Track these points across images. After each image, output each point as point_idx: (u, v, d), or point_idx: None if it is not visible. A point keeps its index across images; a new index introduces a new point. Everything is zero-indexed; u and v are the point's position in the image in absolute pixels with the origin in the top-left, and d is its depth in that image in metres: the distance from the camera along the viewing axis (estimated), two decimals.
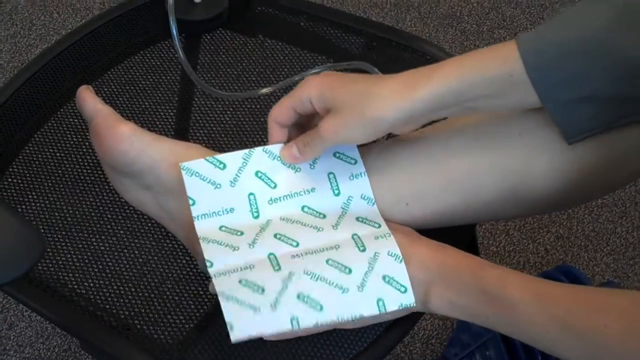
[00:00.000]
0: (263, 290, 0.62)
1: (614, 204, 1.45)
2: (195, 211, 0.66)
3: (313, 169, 0.68)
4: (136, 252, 0.74)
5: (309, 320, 0.62)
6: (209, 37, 0.91)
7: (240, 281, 0.62)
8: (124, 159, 0.67)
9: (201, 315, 0.70)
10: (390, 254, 0.64)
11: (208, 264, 0.63)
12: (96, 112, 0.69)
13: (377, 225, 0.66)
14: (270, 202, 0.68)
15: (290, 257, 0.64)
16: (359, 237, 0.65)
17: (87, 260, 0.73)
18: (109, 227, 0.75)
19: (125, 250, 0.74)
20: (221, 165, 0.67)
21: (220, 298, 0.61)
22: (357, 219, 0.67)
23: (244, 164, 0.68)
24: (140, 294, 0.71)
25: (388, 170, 0.69)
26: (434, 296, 0.63)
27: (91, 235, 0.74)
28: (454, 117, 0.71)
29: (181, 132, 0.84)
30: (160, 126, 0.82)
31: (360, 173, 0.68)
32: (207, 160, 0.67)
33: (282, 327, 0.62)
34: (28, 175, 0.78)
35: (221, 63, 0.88)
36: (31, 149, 0.80)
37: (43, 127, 0.82)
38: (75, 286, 0.71)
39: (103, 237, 0.74)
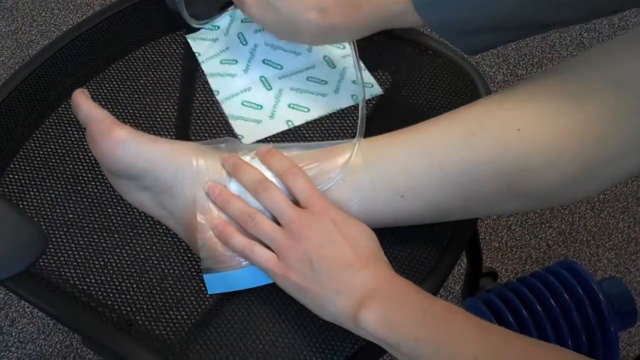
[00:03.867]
0: (262, 107, 0.81)
1: (616, 199, 1.45)
2: (200, 58, 0.86)
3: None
4: (138, 248, 0.73)
5: (300, 119, 0.80)
6: None
7: (242, 103, 0.82)
8: (121, 163, 0.67)
9: (203, 311, 0.70)
10: (355, 66, 0.78)
11: (215, 92, 0.83)
12: (91, 118, 0.69)
13: (342, 47, 0.85)
14: (266, 44, 0.85)
15: (277, 79, 0.83)
16: (329, 58, 0.84)
17: (88, 256, 0.73)
18: (110, 223, 0.75)
19: (127, 247, 0.74)
20: (215, 27, 0.88)
21: (229, 120, 0.80)
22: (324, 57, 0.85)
23: (232, 20, 0.88)
24: (142, 290, 0.71)
25: (383, 164, 0.68)
26: (368, 309, 0.61)
27: (93, 232, 0.74)
28: (451, 111, 0.71)
29: (182, 128, 0.84)
30: (161, 122, 0.82)
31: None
32: (205, 28, 0.87)
33: (280, 129, 0.79)
34: (29, 171, 0.78)
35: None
36: (32, 144, 0.80)
37: (44, 123, 0.82)
38: (77, 282, 0.71)
39: (105, 233, 0.74)
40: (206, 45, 0.87)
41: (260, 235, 0.67)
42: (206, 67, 0.85)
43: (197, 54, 0.86)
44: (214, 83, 0.84)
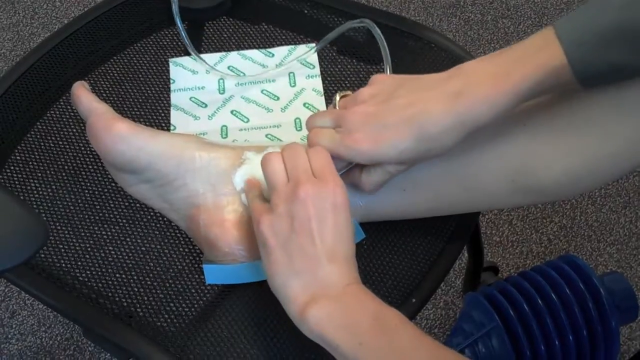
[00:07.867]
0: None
1: (618, 194, 1.44)
2: (172, 86, 0.84)
3: (278, 69, 0.85)
4: (138, 240, 0.73)
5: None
6: (212, 25, 0.91)
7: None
8: (122, 157, 0.67)
9: (204, 303, 0.70)
10: None
11: (172, 127, 0.81)
12: (91, 111, 0.68)
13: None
14: (237, 85, 0.84)
15: (237, 130, 0.80)
16: (300, 120, 0.81)
17: (89, 248, 0.73)
18: (111, 215, 0.75)
19: (128, 239, 0.73)
20: (201, 60, 0.85)
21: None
22: (304, 104, 0.82)
23: (220, 60, 0.86)
24: (143, 282, 0.71)
25: None
26: (316, 306, 0.58)
27: (93, 224, 0.74)
28: None
29: None
30: (162, 115, 0.82)
31: (316, 75, 0.85)
32: (192, 57, 0.85)
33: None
34: (30, 163, 0.78)
35: (224, 51, 0.88)
36: (33, 137, 0.80)
37: (45, 115, 0.82)
38: (78, 274, 0.71)
39: (105, 225, 0.74)
40: (183, 74, 0.85)
41: (287, 157, 0.63)
42: (174, 97, 0.83)
43: (171, 81, 0.84)
44: (174, 116, 0.81)
